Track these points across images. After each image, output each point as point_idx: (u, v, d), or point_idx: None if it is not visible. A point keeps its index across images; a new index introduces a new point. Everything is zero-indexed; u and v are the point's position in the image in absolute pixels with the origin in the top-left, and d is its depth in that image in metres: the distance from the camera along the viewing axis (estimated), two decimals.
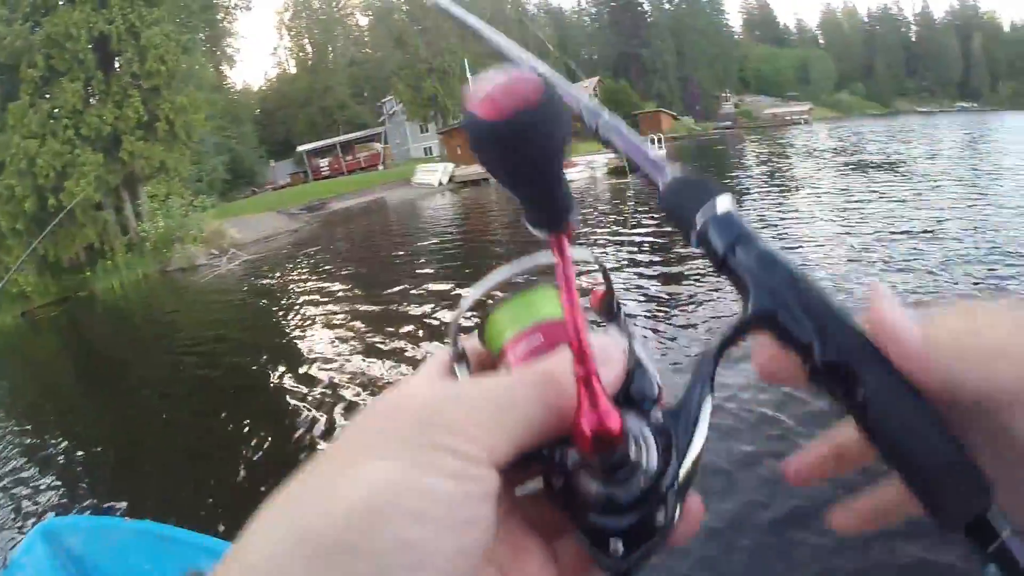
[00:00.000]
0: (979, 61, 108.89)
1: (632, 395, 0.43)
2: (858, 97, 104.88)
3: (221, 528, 5.47)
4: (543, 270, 0.45)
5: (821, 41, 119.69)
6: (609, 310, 0.49)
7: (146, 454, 8.38)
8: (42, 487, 7.74)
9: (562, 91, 0.51)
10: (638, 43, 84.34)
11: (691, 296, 11.31)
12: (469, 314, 0.50)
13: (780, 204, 19.73)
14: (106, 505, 6.80)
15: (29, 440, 10.14)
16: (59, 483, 7.79)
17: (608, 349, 0.42)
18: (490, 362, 0.48)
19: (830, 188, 20.77)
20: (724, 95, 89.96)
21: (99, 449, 8.83)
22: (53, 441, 9.52)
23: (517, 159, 0.34)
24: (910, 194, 17.82)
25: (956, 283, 9.65)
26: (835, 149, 39.70)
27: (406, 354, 10.36)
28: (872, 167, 25.51)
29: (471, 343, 0.49)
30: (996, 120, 59.11)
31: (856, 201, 17.61)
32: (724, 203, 0.47)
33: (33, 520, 6.55)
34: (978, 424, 0.36)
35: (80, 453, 8.73)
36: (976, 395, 0.36)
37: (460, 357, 0.47)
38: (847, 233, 13.80)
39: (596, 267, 0.49)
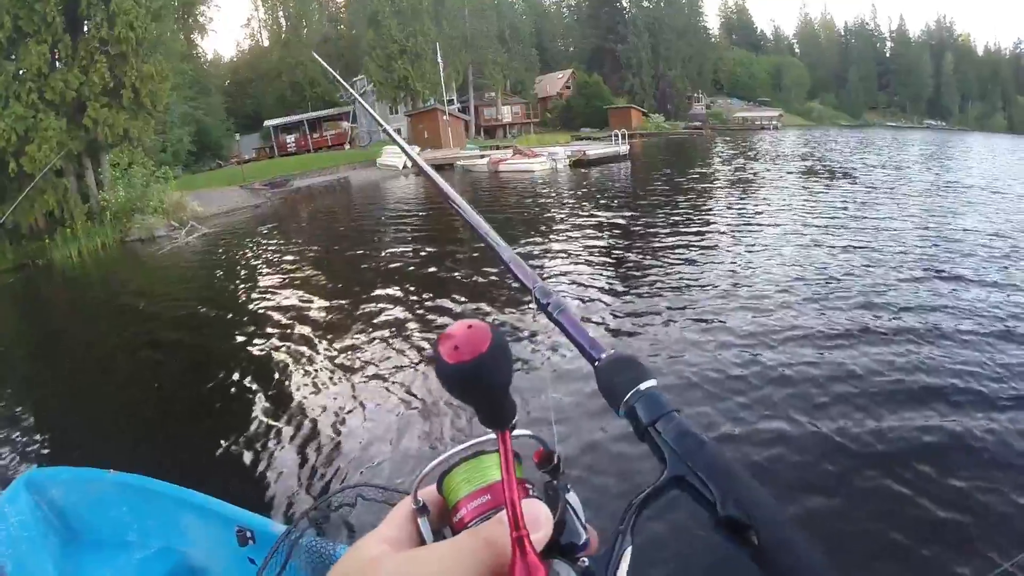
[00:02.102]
0: (950, 81, 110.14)
1: (562, 544, 0.52)
2: (829, 107, 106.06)
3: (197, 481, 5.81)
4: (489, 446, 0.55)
5: (797, 49, 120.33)
6: (549, 464, 0.59)
7: (112, 414, 8.63)
8: (20, 441, 7.91)
9: (517, 269, 0.79)
10: (614, 38, 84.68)
11: (638, 271, 12.10)
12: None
13: (739, 202, 20.29)
14: (83, 460, 6.88)
15: None
16: (36, 438, 7.99)
17: (538, 514, 0.50)
18: (445, 511, 0.57)
19: (789, 191, 21.27)
20: (696, 95, 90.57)
21: (66, 409, 9.04)
22: (19, 401, 9.73)
23: (475, 389, 0.45)
24: (865, 200, 18.42)
25: (893, 279, 10.30)
26: (800, 155, 40.51)
27: (357, 325, 10.94)
28: (833, 174, 26.06)
29: (430, 491, 0.59)
30: (960, 140, 60.42)
31: (813, 205, 18.12)
32: (650, 383, 0.55)
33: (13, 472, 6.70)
34: None
35: (46, 413, 8.94)
36: None
37: (422, 511, 0.57)
38: (800, 233, 14.28)
39: (532, 438, 0.59)
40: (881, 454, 5.64)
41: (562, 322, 0.67)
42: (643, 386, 0.54)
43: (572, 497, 0.55)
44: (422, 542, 0.55)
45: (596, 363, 0.60)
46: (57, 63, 26.51)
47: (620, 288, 11.61)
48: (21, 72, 25.13)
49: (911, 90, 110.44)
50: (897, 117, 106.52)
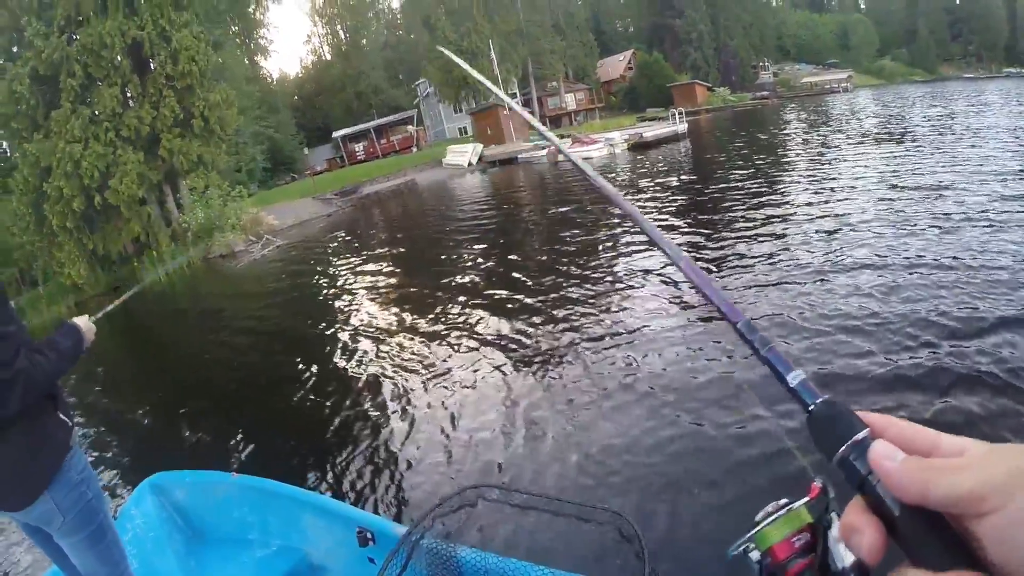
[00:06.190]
0: None
1: (831, 572, 0.63)
2: (901, 64, 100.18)
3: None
4: None
5: (862, 5, 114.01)
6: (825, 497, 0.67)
7: (219, 421, 9.09)
8: (140, 449, 8.72)
9: (719, 302, 0.73)
10: (672, 13, 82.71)
11: (721, 255, 11.77)
12: None
13: (806, 173, 19.54)
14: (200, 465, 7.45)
15: (114, 410, 11.38)
16: (155, 446, 8.66)
17: None
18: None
19: (864, 160, 20.11)
20: (762, 64, 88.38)
21: (179, 418, 9.62)
22: (134, 413, 10.67)
23: None
24: (948, 164, 16.94)
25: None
26: (874, 115, 39.03)
27: (443, 322, 11.08)
28: (914, 138, 24.49)
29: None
30: None
31: (888, 173, 16.95)
32: (864, 433, 0.54)
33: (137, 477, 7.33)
34: (964, 530, 0.46)
35: (161, 423, 9.69)
36: (942, 507, 0.47)
37: None
38: (883, 206, 13.23)
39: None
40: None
41: (771, 361, 0.65)
42: (858, 437, 0.54)
43: (835, 527, 0.61)
44: None
45: (810, 409, 0.60)
46: (130, 102, 28.73)
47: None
48: (97, 114, 27.31)
49: (986, 38, 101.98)
50: (974, 68, 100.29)
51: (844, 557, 0.60)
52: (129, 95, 28.75)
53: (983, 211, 11.45)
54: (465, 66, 1.47)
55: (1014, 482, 0.44)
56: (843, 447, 0.54)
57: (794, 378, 0.62)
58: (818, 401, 0.60)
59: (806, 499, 0.65)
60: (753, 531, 0.65)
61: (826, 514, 0.64)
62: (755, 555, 0.66)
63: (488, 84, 1.40)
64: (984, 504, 0.44)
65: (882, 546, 0.51)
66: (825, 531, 0.63)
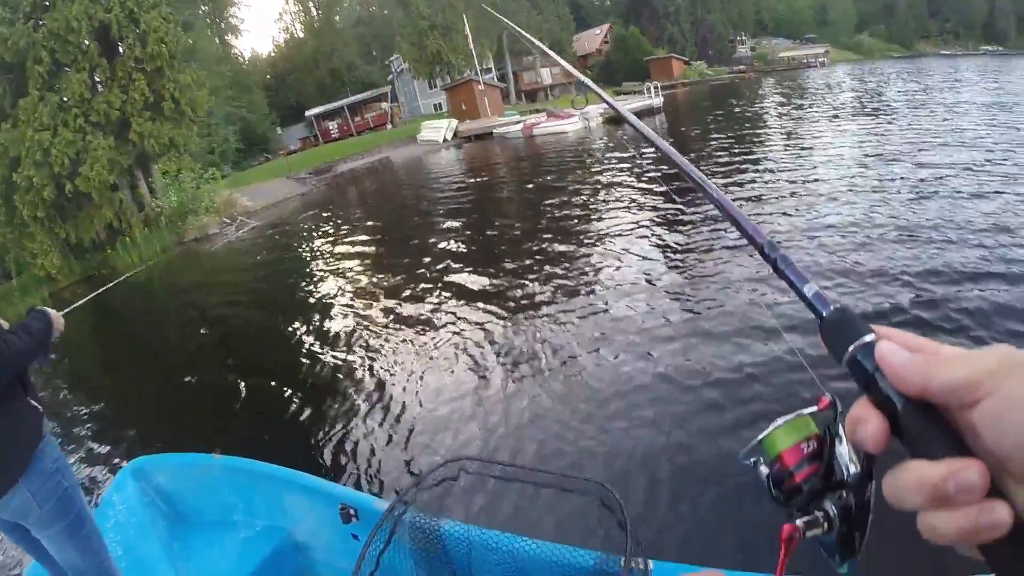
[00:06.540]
0: (1005, 2, 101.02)
1: (834, 481, 0.66)
2: (878, 40, 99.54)
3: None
4: None
5: None
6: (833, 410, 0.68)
7: (202, 403, 9.26)
8: (122, 434, 8.72)
9: (744, 223, 0.78)
10: None
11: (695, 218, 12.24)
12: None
13: (786, 146, 19.95)
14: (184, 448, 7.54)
15: (94, 397, 11.22)
16: (137, 431, 8.71)
17: None
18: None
19: (837, 132, 20.62)
20: (740, 38, 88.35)
21: (161, 404, 9.77)
22: (115, 399, 10.77)
23: None
24: (907, 140, 17.67)
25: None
26: (850, 89, 39.49)
27: (418, 298, 11.30)
28: (888, 112, 25.06)
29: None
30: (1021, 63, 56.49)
31: (860, 144, 17.57)
32: (871, 336, 0.57)
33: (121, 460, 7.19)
34: (961, 422, 0.49)
35: (143, 408, 9.84)
36: (941, 395, 0.50)
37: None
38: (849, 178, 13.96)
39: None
40: None
41: (790, 277, 0.70)
42: (866, 339, 0.57)
43: (842, 435, 0.65)
44: None
45: (823, 316, 0.63)
46: (98, 87, 28.21)
47: (670, 235, 11.84)
48: (65, 100, 26.84)
49: (964, 15, 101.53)
50: (951, 45, 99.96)
51: (848, 467, 0.64)
52: (98, 80, 28.22)
53: (951, 178, 12.26)
54: (530, 37, 1.55)
55: (1004, 368, 0.47)
56: (852, 347, 0.58)
57: (809, 289, 0.67)
58: (831, 308, 0.63)
59: (814, 408, 0.68)
60: (763, 435, 0.69)
61: (834, 424, 0.67)
62: (764, 470, 0.70)
63: (545, 48, 1.57)
64: (979, 390, 0.47)
65: (886, 435, 0.53)
66: (832, 441, 0.66)
